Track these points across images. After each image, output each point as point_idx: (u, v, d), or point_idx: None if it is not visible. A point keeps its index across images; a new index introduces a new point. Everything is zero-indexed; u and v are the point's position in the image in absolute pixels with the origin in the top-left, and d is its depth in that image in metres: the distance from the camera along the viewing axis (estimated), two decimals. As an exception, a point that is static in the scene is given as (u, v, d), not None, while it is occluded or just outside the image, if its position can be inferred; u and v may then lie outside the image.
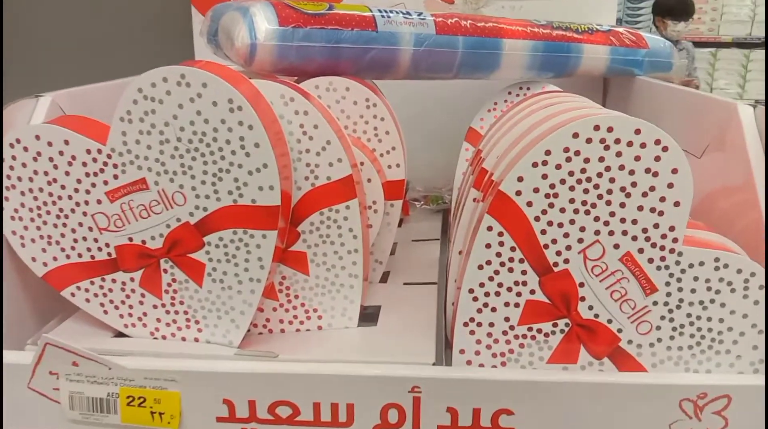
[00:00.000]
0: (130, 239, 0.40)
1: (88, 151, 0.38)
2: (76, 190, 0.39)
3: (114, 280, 0.41)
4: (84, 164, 0.39)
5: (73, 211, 0.40)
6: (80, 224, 0.40)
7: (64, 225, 0.40)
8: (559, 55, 0.60)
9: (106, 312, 0.42)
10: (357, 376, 0.36)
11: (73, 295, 0.42)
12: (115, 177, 0.39)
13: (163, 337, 0.42)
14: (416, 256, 0.57)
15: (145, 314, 0.41)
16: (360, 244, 0.42)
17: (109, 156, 0.38)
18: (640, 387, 0.36)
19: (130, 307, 0.41)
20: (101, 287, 0.41)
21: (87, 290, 0.41)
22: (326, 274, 0.43)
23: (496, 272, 0.37)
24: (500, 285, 0.37)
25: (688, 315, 0.37)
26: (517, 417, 0.36)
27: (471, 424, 0.37)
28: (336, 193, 0.41)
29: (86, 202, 0.39)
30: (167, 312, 0.41)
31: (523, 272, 0.37)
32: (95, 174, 0.39)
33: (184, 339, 0.42)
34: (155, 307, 0.41)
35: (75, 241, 0.40)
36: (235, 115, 0.36)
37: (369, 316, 0.46)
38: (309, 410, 0.37)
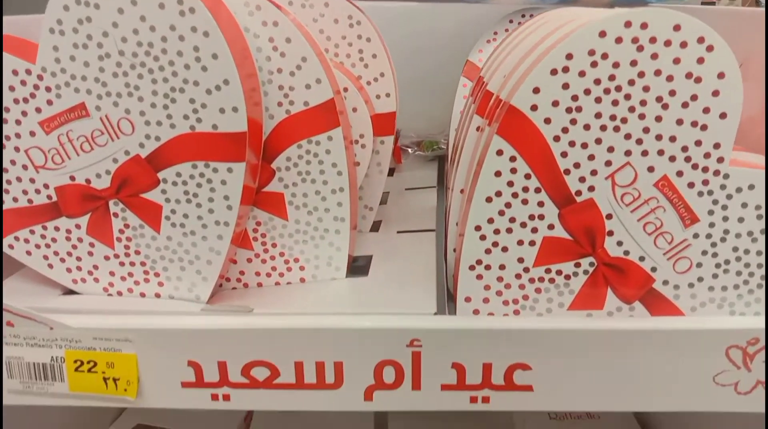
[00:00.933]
0: (72, 178, 0.33)
1: (15, 73, 0.32)
2: (5, 121, 0.33)
3: (57, 228, 0.35)
4: (11, 89, 0.32)
5: (2, 146, 0.33)
6: (12, 162, 0.34)
7: (-6, 164, 0.34)
8: (566, -24, 0.53)
9: (51, 266, 0.36)
10: (346, 330, 0.31)
11: (11, 247, 0.36)
12: (49, 103, 0.32)
13: (119, 294, 0.36)
14: (411, 205, 0.51)
15: (96, 267, 0.35)
16: (346, 183, 0.36)
17: (40, 77, 0.32)
18: (681, 333, 0.30)
19: (78, 259, 0.35)
20: (43, 237, 0.35)
21: (27, 241, 0.35)
22: (308, 219, 0.37)
23: (508, 205, 0.31)
24: (512, 220, 0.31)
25: (735, 249, 0.31)
26: (535, 373, 0.31)
27: (480, 382, 0.31)
28: (316, 121, 0.35)
29: (17, 136, 0.33)
30: (122, 264, 0.35)
31: (540, 204, 0.31)
32: (25, 100, 0.32)
33: (143, 295, 0.36)
34: (107, 258, 0.35)
35: (8, 182, 0.34)
36: (186, 19, 0.30)
37: (359, 268, 0.40)
38: (290, 371, 0.32)
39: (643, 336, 0.30)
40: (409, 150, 0.63)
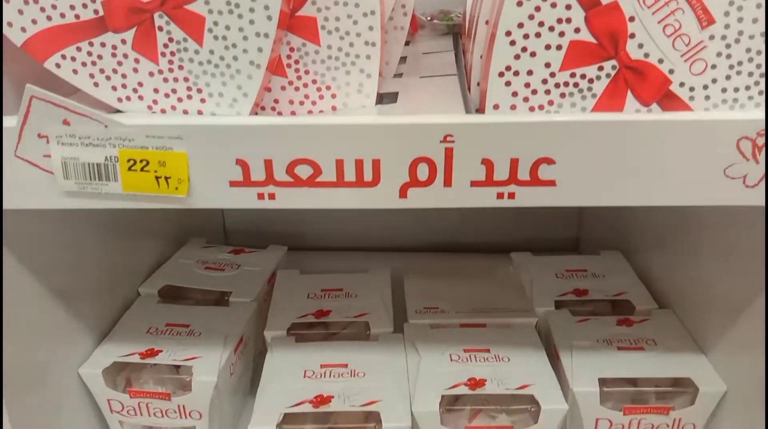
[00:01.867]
0: (118, -10, 0.35)
1: None
2: (51, -68, 0.34)
3: (103, 44, 0.36)
4: None
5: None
6: (59, -25, 0.35)
7: (41, -22, 0.35)
8: None
9: (96, 84, 0.37)
10: (385, 125, 0.33)
11: (58, 65, 0.37)
12: None
13: (162, 111, 0.38)
14: (430, 62, 0.53)
15: (140, 84, 0.37)
16: (377, 5, 0.38)
17: None
18: (695, 124, 0.32)
19: (123, 76, 0.37)
20: (89, 54, 0.37)
21: (74, 59, 0.37)
22: (339, 44, 0.39)
23: (537, 9, 0.33)
24: (541, 24, 0.33)
25: (748, 50, 0.33)
26: (559, 167, 0.34)
27: (507, 178, 0.34)
28: (349, -59, 0.36)
29: (64, -53, 0.34)
30: (165, 80, 0.37)
31: (568, 7, 0.33)
32: None
33: (186, 112, 0.37)
34: (152, 74, 0.37)
35: (55, -3, 0.35)
36: None
37: (388, 100, 0.42)
38: (331, 169, 0.34)
39: (659, 127, 0.32)
40: (425, 18, 0.64)
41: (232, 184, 0.34)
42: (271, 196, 0.35)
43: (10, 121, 0.34)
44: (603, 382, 0.47)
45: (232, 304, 0.58)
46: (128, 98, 0.38)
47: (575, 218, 0.85)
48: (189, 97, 0.37)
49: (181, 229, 0.73)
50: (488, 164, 0.34)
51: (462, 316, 0.55)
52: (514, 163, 0.34)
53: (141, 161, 0.34)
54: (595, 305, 0.58)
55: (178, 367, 0.50)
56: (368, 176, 0.34)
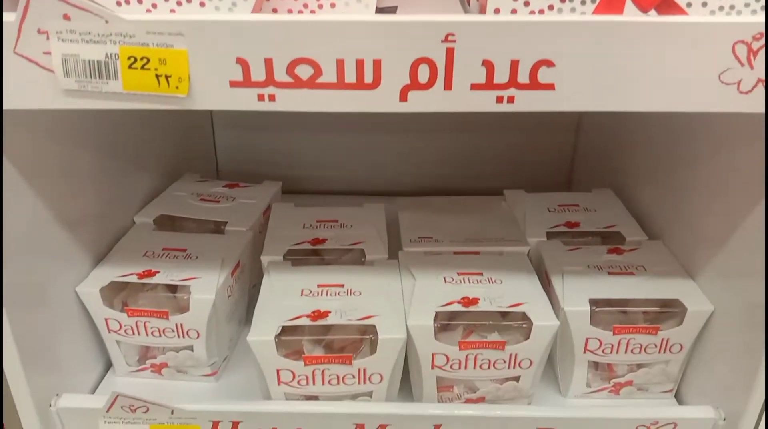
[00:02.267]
0: None
1: None
2: None
3: (101, -57, 0.36)
4: None
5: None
6: None
7: None
8: None
9: (94, -14, 0.37)
10: (386, 23, 0.33)
11: (54, -34, 0.37)
12: None
13: (162, 14, 0.37)
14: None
15: (139, -14, 0.37)
16: None
17: None
18: (691, 27, 0.33)
19: (122, -22, 0.37)
20: (87, -47, 0.36)
21: (70, -41, 0.36)
22: (340, -49, 0.39)
23: None
24: (543, -75, 0.33)
25: (748, -46, 0.33)
26: (558, 70, 0.34)
27: (507, 81, 0.34)
28: None
29: None
30: (165, -18, 0.37)
31: None
32: None
33: (185, 15, 0.37)
34: (151, -24, 0.36)
35: None
36: None
37: (387, 11, 0.42)
38: (332, 69, 0.34)
39: (657, 29, 0.33)
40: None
41: (233, 84, 0.34)
42: (271, 98, 0.35)
43: (11, 17, 0.33)
44: (593, 302, 0.48)
45: (227, 232, 0.58)
46: (127, 2, 0.37)
47: (568, 161, 0.86)
48: (188, 0, 0.37)
49: (173, 167, 0.73)
50: (489, 66, 0.34)
51: (456, 244, 0.56)
52: (514, 65, 0.34)
53: (141, 59, 0.34)
54: (586, 237, 0.59)
55: (175, 289, 0.51)
56: (369, 78, 0.34)
